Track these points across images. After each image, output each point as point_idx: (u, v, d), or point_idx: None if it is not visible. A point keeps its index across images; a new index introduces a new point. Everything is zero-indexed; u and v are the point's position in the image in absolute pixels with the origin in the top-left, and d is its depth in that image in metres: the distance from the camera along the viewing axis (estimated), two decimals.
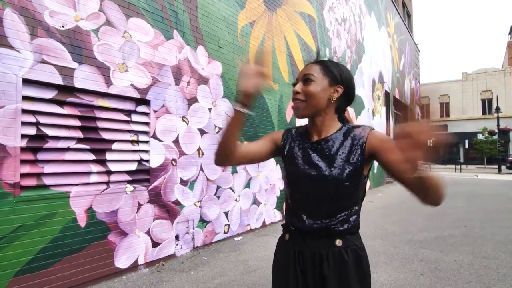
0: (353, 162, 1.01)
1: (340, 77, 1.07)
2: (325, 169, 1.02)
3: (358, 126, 1.07)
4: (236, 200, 4.70)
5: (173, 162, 3.77)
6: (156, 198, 3.55)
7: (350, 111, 8.83)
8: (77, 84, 2.88)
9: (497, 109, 22.03)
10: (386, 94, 12.57)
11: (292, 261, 1.06)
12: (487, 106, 33.04)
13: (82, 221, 2.88)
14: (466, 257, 3.68)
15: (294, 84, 1.10)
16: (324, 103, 1.05)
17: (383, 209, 6.85)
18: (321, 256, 1.01)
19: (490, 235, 4.63)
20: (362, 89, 9.77)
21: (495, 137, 25.18)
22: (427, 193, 0.85)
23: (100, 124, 3.10)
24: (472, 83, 33.99)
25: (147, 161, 3.50)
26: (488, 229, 4.99)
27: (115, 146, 3.21)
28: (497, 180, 14.30)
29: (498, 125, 22.14)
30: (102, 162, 3.12)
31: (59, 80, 2.76)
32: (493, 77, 33.22)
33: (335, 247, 1.02)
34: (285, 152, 1.14)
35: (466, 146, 27.31)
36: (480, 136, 29.64)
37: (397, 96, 14.09)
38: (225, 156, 1.06)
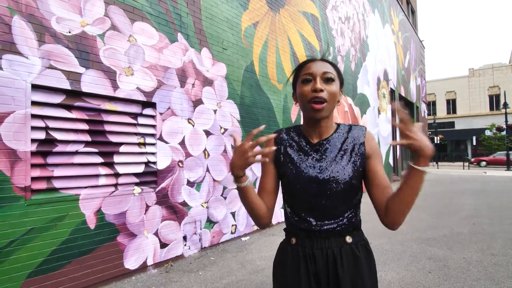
0: (356, 161, 1.02)
1: (343, 80, 1.10)
2: (332, 170, 1.00)
3: (355, 125, 1.09)
4: None
5: (180, 163, 3.80)
6: (163, 199, 3.59)
7: (356, 110, 8.81)
8: (84, 88, 2.93)
9: (505, 105, 21.77)
10: (392, 91, 12.50)
11: (303, 265, 1.01)
12: (494, 102, 32.68)
13: (91, 223, 2.93)
14: (475, 255, 3.66)
15: (305, 81, 1.02)
16: (335, 105, 1.05)
17: None
18: (334, 255, 0.99)
19: (499, 232, 4.59)
20: (367, 87, 9.73)
21: (504, 133, 24.86)
22: (400, 207, 0.93)
23: (108, 128, 3.15)
24: (479, 79, 33.66)
25: (154, 163, 3.54)
26: (497, 226, 4.94)
27: (122, 149, 3.26)
28: (506, 176, 14.13)
29: (506, 121, 21.86)
30: (110, 164, 3.16)
31: (66, 85, 2.81)
32: (500, 72, 32.85)
33: (346, 244, 1.01)
34: (281, 158, 1.08)
35: (474, 143, 27.01)
36: (488, 133, 29.33)
37: (403, 94, 13.99)
38: (262, 218, 1.04)
